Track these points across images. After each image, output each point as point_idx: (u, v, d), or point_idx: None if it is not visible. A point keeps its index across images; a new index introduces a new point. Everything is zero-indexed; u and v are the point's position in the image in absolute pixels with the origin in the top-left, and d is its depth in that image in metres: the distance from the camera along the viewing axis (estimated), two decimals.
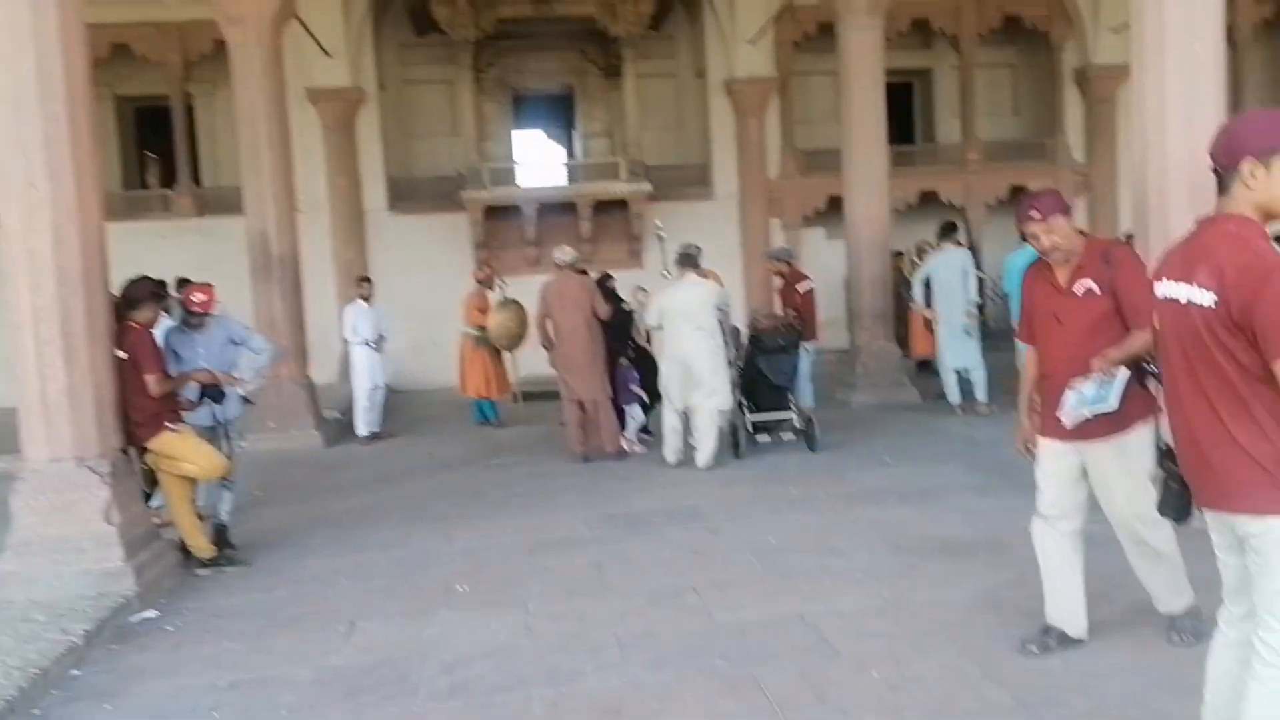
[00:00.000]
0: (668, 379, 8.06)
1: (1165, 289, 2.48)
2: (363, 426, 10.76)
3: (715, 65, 16.43)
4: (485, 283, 11.11)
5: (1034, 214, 3.63)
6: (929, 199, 16.44)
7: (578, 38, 16.89)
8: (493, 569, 5.57)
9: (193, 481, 6.00)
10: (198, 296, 6.34)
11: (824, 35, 16.28)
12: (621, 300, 9.08)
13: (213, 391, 6.09)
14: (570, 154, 18.32)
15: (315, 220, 15.39)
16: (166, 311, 7.92)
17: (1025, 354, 3.97)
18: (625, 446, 8.84)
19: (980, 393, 9.76)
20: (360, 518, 7.11)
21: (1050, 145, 16.84)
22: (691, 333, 7.84)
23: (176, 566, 5.90)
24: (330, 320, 14.57)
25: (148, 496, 6.26)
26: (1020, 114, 17.73)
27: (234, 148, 10.84)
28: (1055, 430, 3.72)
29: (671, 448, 8.13)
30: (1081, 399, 3.51)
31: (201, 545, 5.96)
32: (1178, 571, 3.82)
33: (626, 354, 8.84)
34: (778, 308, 10.02)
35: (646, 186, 15.80)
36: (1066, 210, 3.68)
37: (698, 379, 7.84)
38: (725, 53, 16.26)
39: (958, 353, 9.71)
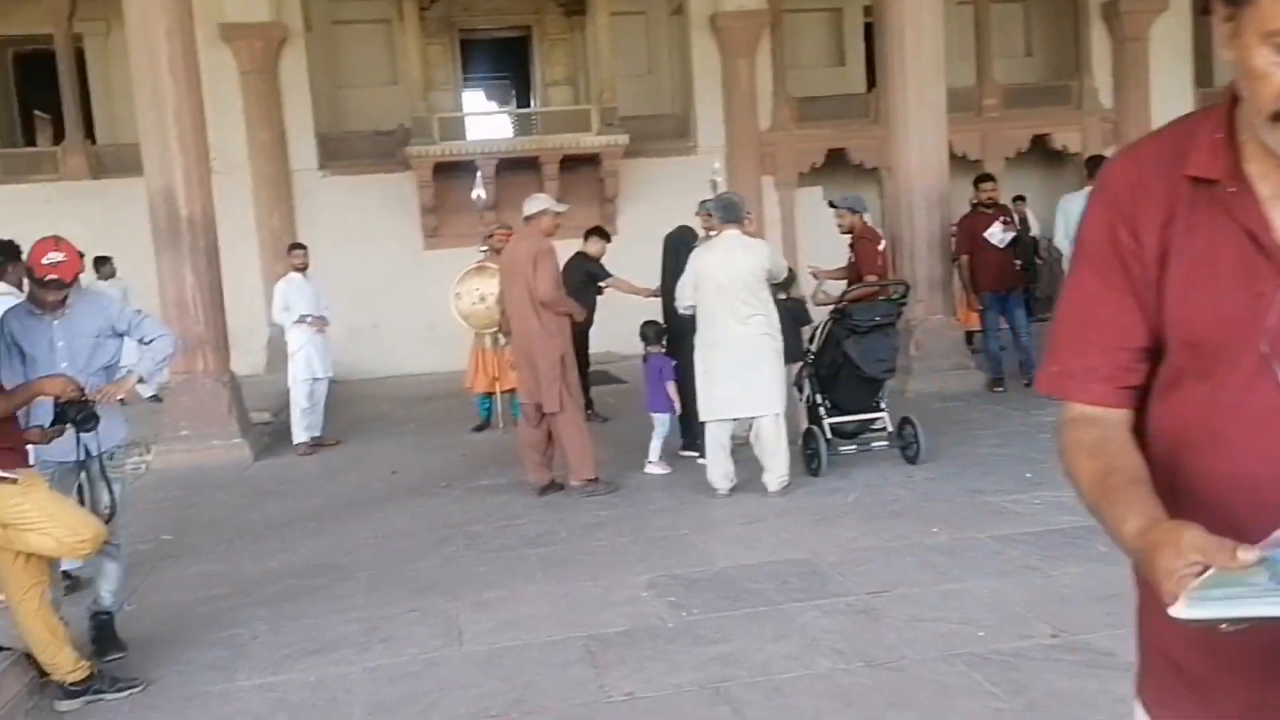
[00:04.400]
0: (705, 377, 5.93)
1: None
2: (301, 431, 8.54)
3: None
4: (498, 251, 8.82)
5: None
6: None
7: None
8: (543, 700, 3.46)
9: (49, 561, 3.77)
10: (52, 256, 3.98)
11: None
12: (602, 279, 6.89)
13: (77, 412, 3.76)
14: (527, 106, 16.04)
15: (234, 182, 13.00)
16: (18, 287, 5.60)
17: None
18: (647, 468, 6.73)
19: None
20: (311, 585, 4.91)
21: (1074, 89, 14.99)
22: (736, 311, 5.74)
23: (25, 696, 3.71)
24: (255, 300, 12.36)
25: None
26: (1035, 55, 15.86)
27: (133, 98, 8.48)
28: None
29: (720, 471, 5.96)
30: None
31: (64, 662, 3.69)
32: None
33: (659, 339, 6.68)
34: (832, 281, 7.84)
35: (624, 138, 13.64)
36: None
37: (749, 375, 5.71)
38: None
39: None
